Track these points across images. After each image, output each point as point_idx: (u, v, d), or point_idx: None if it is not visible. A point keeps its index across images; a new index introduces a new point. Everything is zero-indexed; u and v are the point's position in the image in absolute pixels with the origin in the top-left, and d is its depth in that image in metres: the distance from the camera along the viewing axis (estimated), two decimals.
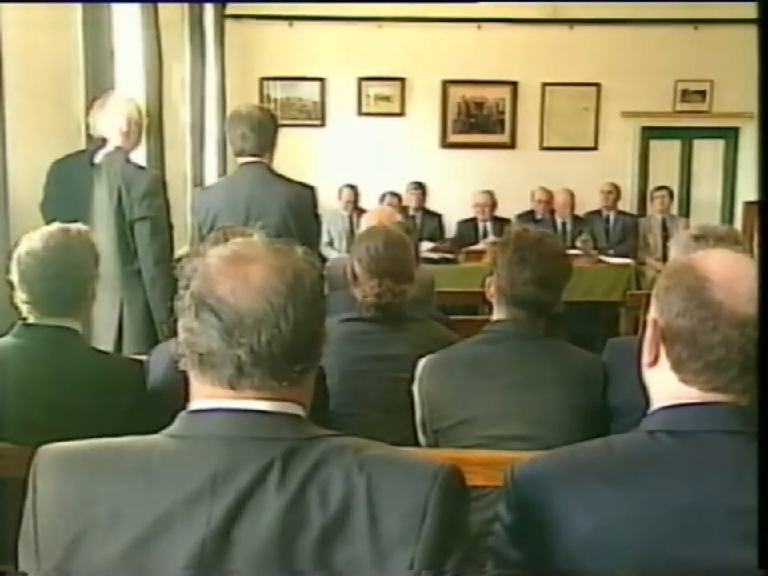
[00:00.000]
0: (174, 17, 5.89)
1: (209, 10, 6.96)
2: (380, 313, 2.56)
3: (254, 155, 3.65)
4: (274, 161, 3.75)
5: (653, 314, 1.35)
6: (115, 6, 4.42)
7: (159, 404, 2.15)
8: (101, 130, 3.66)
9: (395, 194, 7.88)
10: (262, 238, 1.26)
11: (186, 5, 6.21)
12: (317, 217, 3.79)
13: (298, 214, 3.61)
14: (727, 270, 1.28)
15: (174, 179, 5.72)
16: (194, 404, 1.22)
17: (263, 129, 3.66)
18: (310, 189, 3.71)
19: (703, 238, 2.32)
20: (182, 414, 1.22)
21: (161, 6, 5.22)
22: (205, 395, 1.20)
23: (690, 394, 1.30)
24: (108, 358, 2.57)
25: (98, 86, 4.02)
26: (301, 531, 1.12)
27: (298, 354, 1.18)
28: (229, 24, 7.63)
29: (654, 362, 1.34)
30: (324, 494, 1.13)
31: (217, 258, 1.20)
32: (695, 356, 1.27)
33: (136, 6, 5.02)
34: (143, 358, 2.49)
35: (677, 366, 1.31)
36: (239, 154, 3.72)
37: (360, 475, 1.14)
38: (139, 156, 5.15)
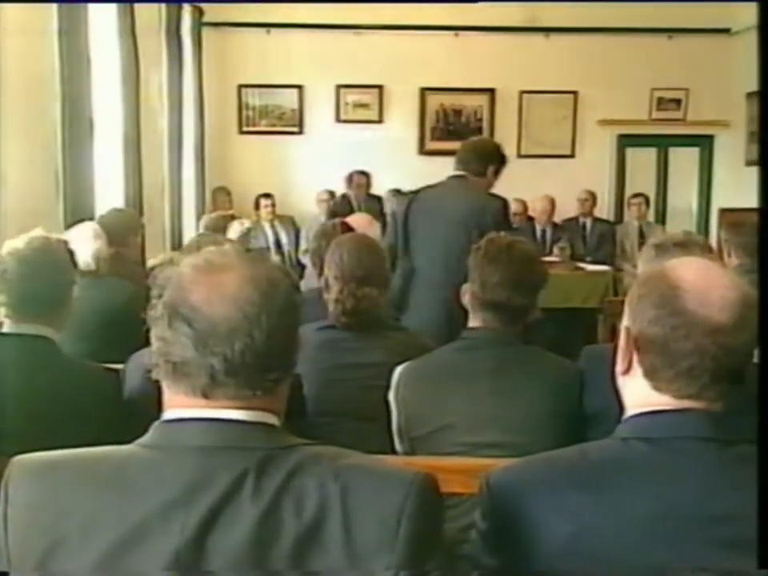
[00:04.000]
0: (151, 24, 5.88)
1: (186, 17, 6.95)
2: (350, 319, 2.56)
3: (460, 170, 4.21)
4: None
5: (626, 321, 1.35)
6: (92, 13, 4.41)
7: (136, 413, 2.13)
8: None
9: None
10: (235, 247, 1.25)
11: (163, 12, 6.20)
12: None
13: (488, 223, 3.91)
14: (700, 279, 1.29)
15: (151, 186, 5.71)
16: (168, 414, 1.21)
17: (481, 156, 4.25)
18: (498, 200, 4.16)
19: (663, 246, 2.36)
20: (156, 423, 1.22)
21: (138, 14, 5.21)
22: (178, 405, 1.20)
23: (663, 401, 1.30)
24: (84, 367, 2.54)
25: (74, 92, 4.00)
26: (275, 540, 1.11)
27: (272, 363, 1.18)
28: (206, 31, 7.62)
29: (628, 369, 1.35)
30: (299, 503, 1.13)
31: (190, 267, 1.19)
32: (668, 364, 1.28)
33: (113, 13, 5.00)
34: (119, 366, 2.47)
35: (650, 374, 1.31)
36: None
37: (335, 484, 1.14)
38: (117, 164, 5.15)
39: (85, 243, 3.62)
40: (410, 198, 4.25)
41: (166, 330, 1.16)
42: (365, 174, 7.67)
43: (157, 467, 1.17)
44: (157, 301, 1.19)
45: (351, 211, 6.95)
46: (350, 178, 7.66)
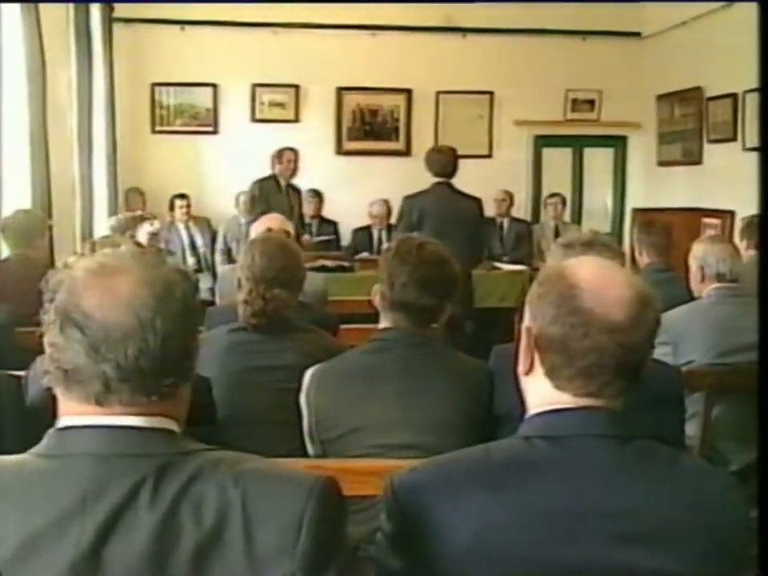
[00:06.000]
0: (58, 19, 5.73)
1: (95, 12, 6.77)
2: (259, 321, 2.53)
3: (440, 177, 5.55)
4: None
5: (526, 321, 1.37)
6: None
7: (38, 420, 2.07)
8: None
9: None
10: (131, 249, 1.22)
11: (71, 8, 6.04)
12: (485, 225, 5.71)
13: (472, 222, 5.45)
14: (597, 278, 1.31)
15: (60, 185, 5.56)
16: (62, 421, 1.18)
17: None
18: (477, 200, 5.59)
19: (570, 246, 2.40)
20: (50, 431, 1.18)
21: (44, 9, 5.08)
22: (72, 412, 1.17)
23: (564, 399, 1.32)
24: None
25: None
26: (174, 548, 1.09)
27: (168, 368, 1.15)
28: (117, 28, 7.45)
29: (530, 369, 1.36)
30: (198, 510, 1.11)
31: (83, 271, 1.16)
32: (567, 362, 1.30)
33: (16, 8, 4.86)
34: (22, 373, 2.41)
35: (550, 373, 1.33)
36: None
37: (235, 490, 1.12)
38: (23, 164, 5.01)
39: None
40: (418, 204, 5.31)
41: (58, 335, 1.13)
42: (293, 151, 6.99)
43: (51, 476, 1.14)
44: (49, 305, 1.16)
45: (279, 192, 6.77)
46: (279, 155, 6.92)
